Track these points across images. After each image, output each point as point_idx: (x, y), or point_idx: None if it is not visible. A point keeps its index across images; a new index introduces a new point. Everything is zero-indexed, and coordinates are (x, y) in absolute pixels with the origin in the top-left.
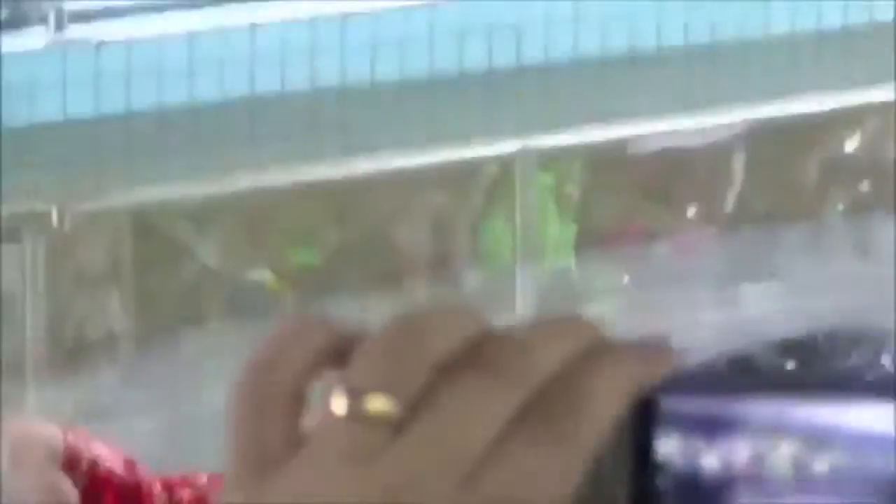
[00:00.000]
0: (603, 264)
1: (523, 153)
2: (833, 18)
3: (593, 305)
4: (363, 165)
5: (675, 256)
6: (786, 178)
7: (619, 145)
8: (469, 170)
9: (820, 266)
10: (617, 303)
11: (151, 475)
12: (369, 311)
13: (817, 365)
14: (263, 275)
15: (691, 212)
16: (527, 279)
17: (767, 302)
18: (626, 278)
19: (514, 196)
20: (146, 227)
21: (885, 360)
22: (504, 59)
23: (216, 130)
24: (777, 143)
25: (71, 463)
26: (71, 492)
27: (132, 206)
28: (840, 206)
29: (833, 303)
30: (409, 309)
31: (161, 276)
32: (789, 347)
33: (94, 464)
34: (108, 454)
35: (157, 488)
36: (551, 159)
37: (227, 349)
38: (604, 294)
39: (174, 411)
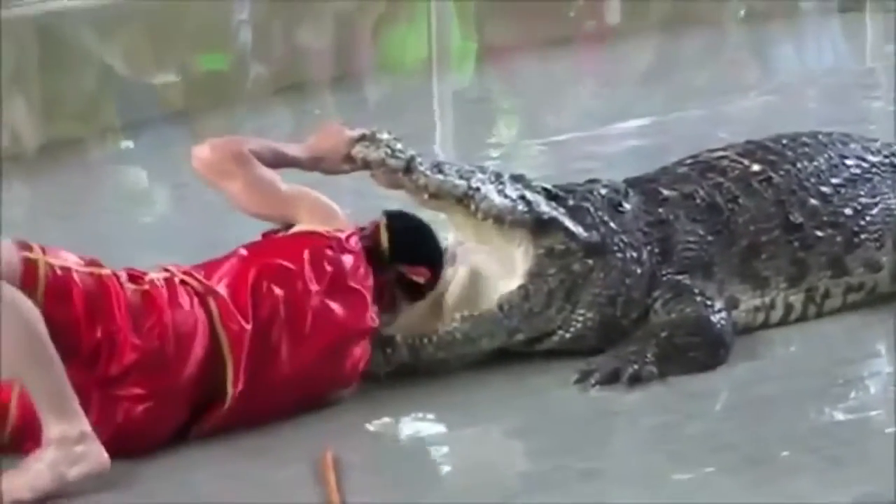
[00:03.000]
0: (501, 76)
1: None
2: None
3: (495, 115)
4: None
5: (575, 66)
6: None
7: None
8: None
9: (722, 71)
10: (520, 110)
11: (114, 269)
12: (276, 116)
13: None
14: (168, 79)
15: (589, 25)
16: (443, 87)
17: (668, 106)
18: (524, 88)
19: (420, 3)
20: (51, 33)
21: (850, 163)
22: None
23: None
24: None
25: (28, 275)
26: (31, 309)
27: (37, 13)
28: (741, 13)
29: (735, 107)
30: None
31: (66, 82)
32: (751, 150)
33: (52, 269)
34: (65, 256)
35: (124, 278)
36: None
37: (131, 157)
38: (505, 104)
39: (84, 219)
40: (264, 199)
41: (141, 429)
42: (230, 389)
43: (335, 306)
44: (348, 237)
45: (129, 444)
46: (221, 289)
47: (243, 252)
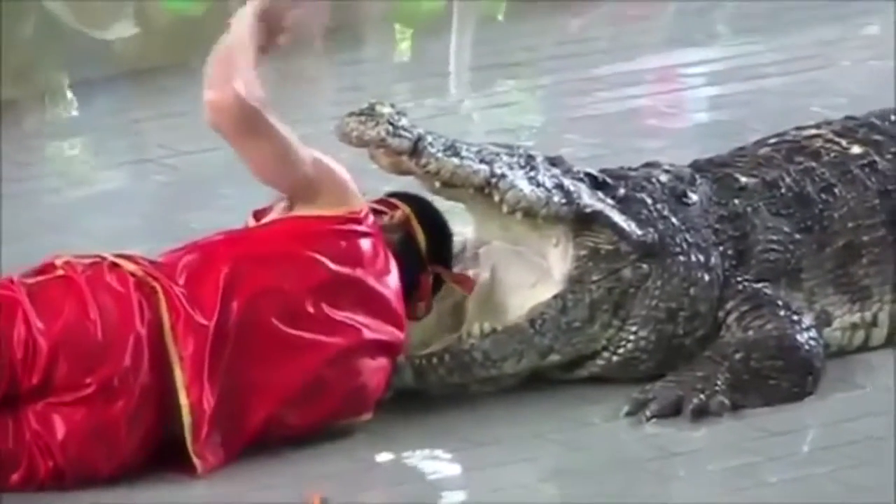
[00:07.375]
0: (533, 16)
1: None
2: None
3: (521, 52)
4: None
5: (623, 18)
6: None
7: None
8: None
9: (818, 27)
10: (560, 75)
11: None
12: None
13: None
14: (127, 29)
15: None
16: (462, 23)
17: (747, 71)
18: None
19: None
20: None
21: None
22: None
23: None
24: None
25: None
26: None
27: None
28: None
29: (834, 73)
30: None
31: (9, 33)
32: (852, 129)
33: None
34: None
35: (25, 274)
36: None
37: (77, 124)
38: (531, 44)
39: (15, 202)
40: (288, 168)
41: (92, 437)
42: (183, 398)
43: (343, 313)
44: (365, 216)
45: (89, 459)
46: (180, 279)
47: (219, 239)
